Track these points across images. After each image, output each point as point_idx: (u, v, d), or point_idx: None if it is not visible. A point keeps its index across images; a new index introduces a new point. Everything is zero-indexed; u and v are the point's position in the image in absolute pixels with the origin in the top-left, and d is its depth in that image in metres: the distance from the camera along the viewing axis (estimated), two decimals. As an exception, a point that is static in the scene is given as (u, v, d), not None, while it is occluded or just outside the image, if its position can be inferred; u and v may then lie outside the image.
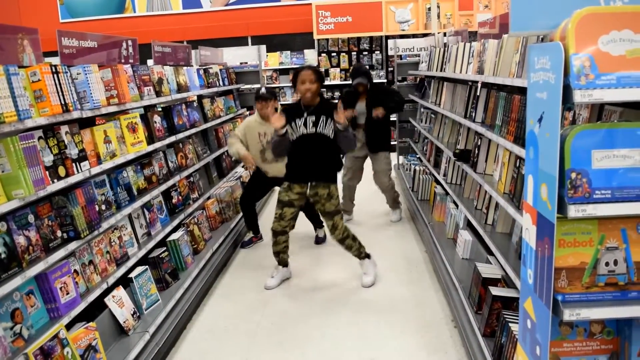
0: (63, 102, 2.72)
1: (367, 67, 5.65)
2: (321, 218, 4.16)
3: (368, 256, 4.25)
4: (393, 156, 8.22)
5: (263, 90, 5.03)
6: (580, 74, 1.53)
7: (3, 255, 2.35)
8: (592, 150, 1.60)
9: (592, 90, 1.53)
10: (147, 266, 3.61)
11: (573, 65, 1.53)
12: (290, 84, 3.97)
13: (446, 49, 5.05)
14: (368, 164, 5.74)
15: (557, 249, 1.68)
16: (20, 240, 2.47)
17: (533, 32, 1.98)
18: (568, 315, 1.66)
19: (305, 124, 3.86)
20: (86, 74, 2.99)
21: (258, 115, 5.00)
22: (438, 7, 9.42)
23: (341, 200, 5.41)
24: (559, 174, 1.60)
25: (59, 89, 2.70)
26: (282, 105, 5.12)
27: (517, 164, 2.78)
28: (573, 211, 1.60)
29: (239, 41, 10.27)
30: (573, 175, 1.60)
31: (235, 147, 4.89)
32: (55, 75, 2.68)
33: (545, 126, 1.66)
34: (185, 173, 4.56)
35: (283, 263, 4.30)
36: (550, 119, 1.62)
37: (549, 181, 1.64)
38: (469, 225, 4.07)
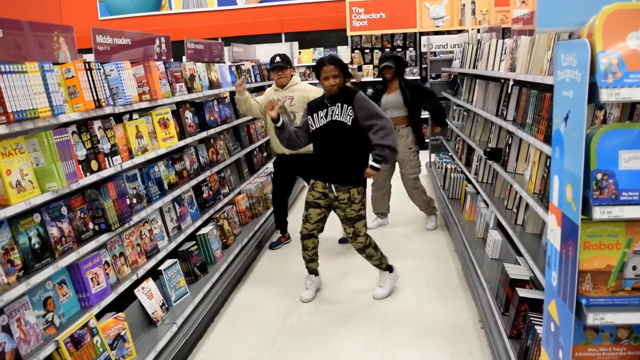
0: (96, 98, 2.80)
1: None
2: (342, 225, 3.90)
3: (390, 269, 4.01)
4: (426, 154, 8.16)
5: (278, 59, 4.80)
6: (607, 72, 1.49)
7: (37, 246, 2.43)
8: (620, 150, 1.56)
9: (619, 89, 1.48)
10: (176, 259, 3.68)
11: (600, 63, 1.49)
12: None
13: (479, 45, 4.97)
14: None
15: (582, 251, 1.64)
16: (54, 231, 2.55)
17: (560, 29, 1.94)
18: (592, 319, 1.62)
19: (325, 115, 3.69)
20: (119, 71, 3.06)
21: (275, 84, 4.91)
22: (473, 3, 9.29)
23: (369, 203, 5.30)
24: (584, 175, 1.56)
25: (92, 85, 2.77)
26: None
27: (548, 164, 2.72)
28: (598, 213, 1.56)
29: (273, 38, 10.35)
30: (599, 176, 1.56)
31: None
32: (88, 72, 2.76)
33: (571, 125, 1.62)
34: (216, 168, 4.62)
35: (314, 272, 4.09)
36: (576, 118, 1.58)
37: (574, 182, 1.60)
38: (499, 225, 4.01)
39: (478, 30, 6.08)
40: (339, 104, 3.66)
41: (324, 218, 3.94)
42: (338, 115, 3.66)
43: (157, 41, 3.97)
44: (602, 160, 1.56)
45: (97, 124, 2.90)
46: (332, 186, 3.75)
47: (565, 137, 1.67)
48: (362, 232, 3.82)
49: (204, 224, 4.29)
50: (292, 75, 4.88)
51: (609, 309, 1.65)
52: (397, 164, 5.43)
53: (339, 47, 10.31)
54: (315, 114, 3.74)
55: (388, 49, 10.20)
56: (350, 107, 3.64)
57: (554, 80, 1.77)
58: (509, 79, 3.77)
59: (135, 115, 3.55)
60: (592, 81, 1.52)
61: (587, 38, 1.54)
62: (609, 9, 1.48)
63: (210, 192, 4.52)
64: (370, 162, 3.72)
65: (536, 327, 2.43)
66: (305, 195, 3.94)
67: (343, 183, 3.74)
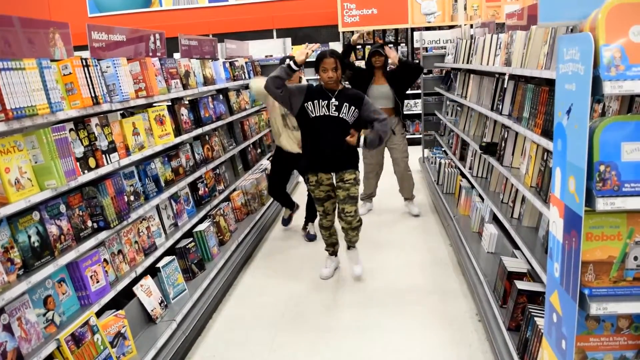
0: (93, 95, 2.78)
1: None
2: (341, 206, 4.06)
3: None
4: (419, 149, 8.20)
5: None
6: (610, 65, 1.51)
7: (36, 244, 2.42)
8: (622, 142, 1.58)
9: (622, 81, 1.50)
10: (174, 256, 3.67)
11: (603, 57, 1.51)
12: (315, 76, 4.02)
13: (473, 40, 4.99)
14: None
15: (585, 242, 1.66)
16: (53, 229, 2.54)
17: (562, 23, 1.95)
18: (595, 309, 1.65)
19: (327, 107, 3.88)
20: (115, 67, 3.05)
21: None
22: (465, -2, 9.31)
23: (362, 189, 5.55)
24: (587, 167, 1.58)
25: (89, 81, 2.76)
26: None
27: (545, 157, 2.75)
28: (601, 204, 1.58)
29: (264, 34, 10.31)
30: (602, 167, 1.58)
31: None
32: (85, 69, 2.74)
33: (573, 118, 1.64)
34: (212, 165, 4.61)
35: (335, 253, 4.39)
36: (579, 111, 1.60)
37: (577, 174, 1.62)
38: (495, 219, 4.04)
39: (471, 26, 6.11)
40: (347, 105, 3.90)
41: (336, 206, 4.21)
42: (345, 114, 3.90)
43: (152, 37, 3.95)
44: (605, 152, 1.58)
45: (94, 120, 2.88)
46: (332, 172, 4.02)
47: (568, 130, 1.68)
48: (358, 210, 4.16)
49: (200, 221, 4.29)
50: (300, 77, 5.09)
51: (612, 299, 1.68)
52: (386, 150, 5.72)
53: (330, 43, 10.29)
54: (316, 101, 3.89)
55: (380, 45, 10.22)
56: (356, 109, 3.92)
57: (555, 73, 1.78)
58: (504, 74, 3.78)
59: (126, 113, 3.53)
60: (595, 74, 1.54)
61: (589, 31, 1.55)
62: (612, 2, 1.50)
63: (206, 189, 4.51)
64: (365, 140, 4.03)
65: (536, 318, 2.46)
66: (310, 192, 4.05)
67: (349, 167, 4.02)
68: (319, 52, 3.98)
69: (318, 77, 3.93)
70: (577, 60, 1.60)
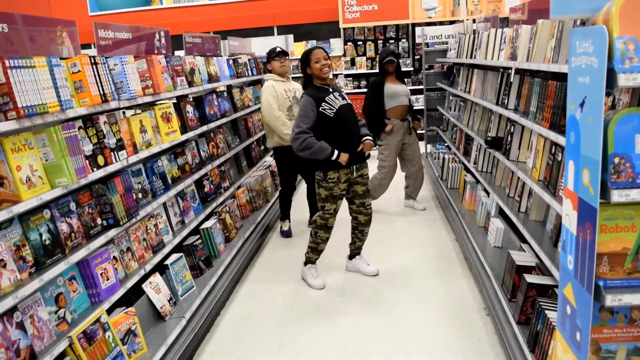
0: (102, 93, 2.79)
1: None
2: (361, 200, 4.02)
3: None
4: (421, 145, 8.21)
5: (279, 48, 5.15)
6: (624, 58, 1.51)
7: (47, 242, 2.43)
8: (636, 134, 1.58)
9: (636, 74, 1.51)
10: (181, 253, 3.68)
11: (617, 49, 1.51)
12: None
13: (476, 35, 4.99)
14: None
15: (599, 234, 1.67)
16: (63, 227, 2.55)
17: (574, 16, 1.95)
18: (610, 300, 1.65)
19: (336, 97, 3.87)
20: (123, 65, 3.05)
21: (275, 74, 5.10)
22: (466, -7, 9.30)
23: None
24: (602, 159, 1.58)
25: (97, 79, 2.76)
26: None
27: (553, 151, 2.75)
28: (616, 196, 1.59)
29: (265, 31, 10.30)
30: (616, 160, 1.59)
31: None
32: (94, 67, 2.74)
33: (587, 111, 1.65)
34: (217, 162, 4.61)
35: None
36: (592, 104, 1.61)
37: (592, 166, 1.62)
38: (501, 213, 4.05)
39: (473, 21, 6.11)
40: (344, 95, 3.98)
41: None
42: (348, 101, 3.99)
43: (157, 35, 3.95)
44: (619, 144, 1.59)
45: (102, 118, 2.89)
46: (354, 166, 3.91)
47: (581, 123, 1.69)
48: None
49: (207, 218, 4.29)
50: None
51: (626, 290, 1.68)
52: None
53: (331, 40, 10.30)
54: (327, 98, 3.84)
55: (381, 41, 10.21)
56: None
57: (567, 67, 1.79)
58: (509, 68, 3.79)
59: (129, 112, 3.52)
60: (609, 67, 1.54)
61: (603, 24, 1.56)
62: (626, -6, 1.50)
63: (212, 186, 4.52)
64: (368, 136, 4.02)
65: (546, 311, 2.47)
66: (327, 190, 3.89)
67: (365, 162, 4.03)
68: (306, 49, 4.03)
69: (302, 75, 3.99)
70: (590, 53, 1.60)
